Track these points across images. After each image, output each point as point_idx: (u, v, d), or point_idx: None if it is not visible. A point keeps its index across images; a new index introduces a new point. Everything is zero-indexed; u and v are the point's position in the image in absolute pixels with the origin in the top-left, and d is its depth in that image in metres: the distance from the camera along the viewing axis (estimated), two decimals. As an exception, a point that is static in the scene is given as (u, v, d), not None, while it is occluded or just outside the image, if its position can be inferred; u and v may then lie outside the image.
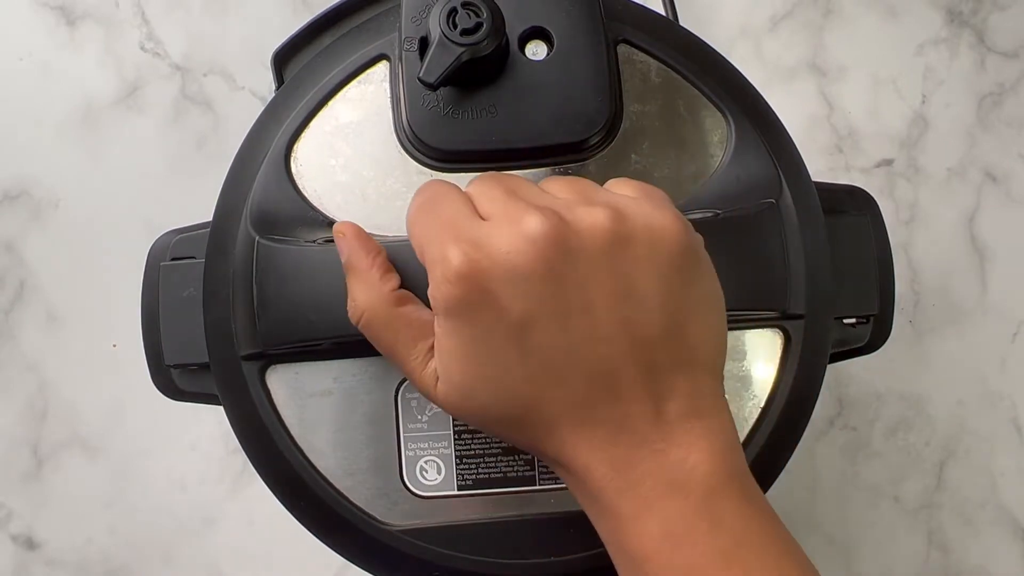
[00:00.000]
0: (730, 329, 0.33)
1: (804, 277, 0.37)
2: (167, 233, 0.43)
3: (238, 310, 0.37)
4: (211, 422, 0.58)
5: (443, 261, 0.28)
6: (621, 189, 0.31)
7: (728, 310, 0.32)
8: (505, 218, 0.28)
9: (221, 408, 0.41)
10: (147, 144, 0.60)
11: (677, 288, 0.29)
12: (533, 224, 0.27)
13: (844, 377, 0.59)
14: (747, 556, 0.28)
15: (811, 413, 0.39)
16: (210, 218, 0.42)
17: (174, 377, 0.41)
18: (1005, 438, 0.59)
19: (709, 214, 0.36)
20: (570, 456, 0.29)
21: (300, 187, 0.38)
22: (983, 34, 0.61)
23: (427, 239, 0.29)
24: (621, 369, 0.28)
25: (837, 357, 0.42)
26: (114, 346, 0.58)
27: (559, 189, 0.30)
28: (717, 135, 0.39)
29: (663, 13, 0.56)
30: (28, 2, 0.61)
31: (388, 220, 0.36)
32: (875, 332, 0.42)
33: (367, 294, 0.31)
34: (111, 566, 0.57)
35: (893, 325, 0.43)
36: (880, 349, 0.43)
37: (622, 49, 0.39)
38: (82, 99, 0.60)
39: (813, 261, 0.38)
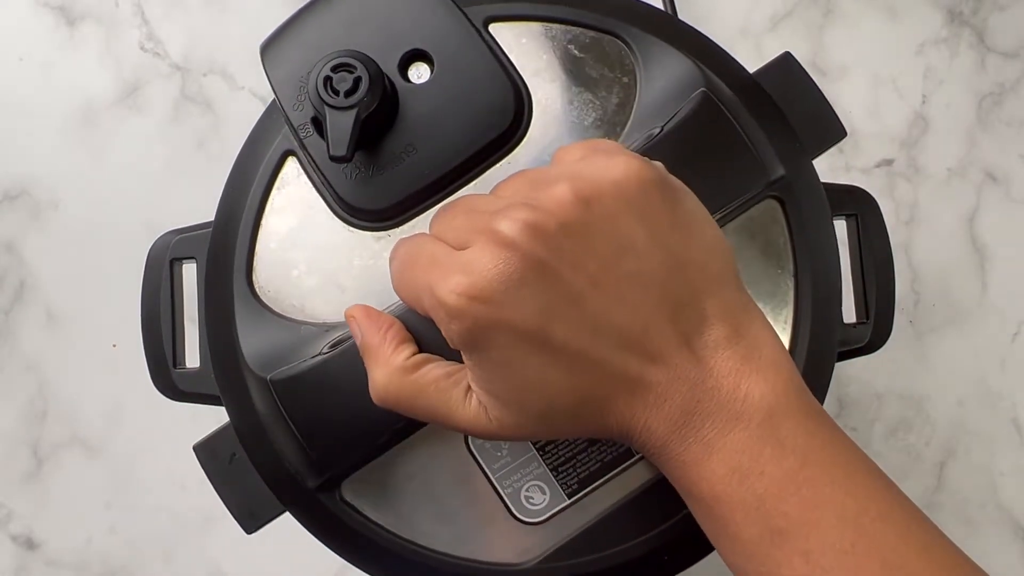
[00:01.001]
0: (729, 220, 0.32)
1: (767, 142, 0.36)
2: (167, 233, 0.43)
3: (286, 450, 0.36)
4: (211, 422, 0.58)
5: (440, 303, 0.28)
6: (569, 155, 0.31)
7: (719, 211, 0.31)
8: (477, 237, 0.28)
9: (221, 409, 0.41)
10: (147, 144, 0.60)
11: (660, 221, 0.29)
12: (504, 229, 0.27)
13: (844, 377, 0.59)
14: (816, 475, 0.27)
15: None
16: (209, 218, 0.42)
17: (174, 377, 0.41)
18: (1005, 438, 0.59)
19: (656, 131, 0.35)
20: (630, 426, 0.29)
21: (279, 311, 0.37)
22: (983, 34, 0.61)
23: (417, 291, 0.29)
24: (647, 325, 0.28)
25: (838, 357, 0.42)
26: (114, 346, 0.58)
27: (511, 187, 0.30)
28: (622, 58, 0.38)
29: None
30: (28, 2, 0.61)
31: (374, 296, 0.35)
32: (875, 332, 0.42)
33: (383, 372, 0.31)
34: (111, 566, 0.57)
35: (893, 325, 0.43)
36: (880, 349, 0.43)
37: (493, 28, 0.38)
38: (82, 99, 0.60)
39: (767, 123, 0.37)
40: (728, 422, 0.28)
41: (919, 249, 0.60)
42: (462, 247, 0.29)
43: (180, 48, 0.61)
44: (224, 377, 0.38)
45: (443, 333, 0.29)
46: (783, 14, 0.62)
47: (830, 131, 0.40)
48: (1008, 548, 0.58)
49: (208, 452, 0.39)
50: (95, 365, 0.59)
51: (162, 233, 0.43)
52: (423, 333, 0.32)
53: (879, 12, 0.62)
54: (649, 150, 0.34)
